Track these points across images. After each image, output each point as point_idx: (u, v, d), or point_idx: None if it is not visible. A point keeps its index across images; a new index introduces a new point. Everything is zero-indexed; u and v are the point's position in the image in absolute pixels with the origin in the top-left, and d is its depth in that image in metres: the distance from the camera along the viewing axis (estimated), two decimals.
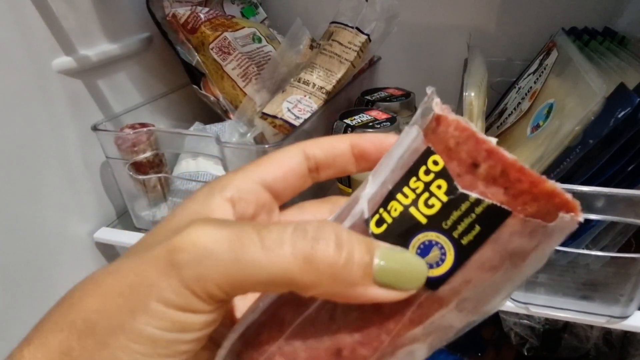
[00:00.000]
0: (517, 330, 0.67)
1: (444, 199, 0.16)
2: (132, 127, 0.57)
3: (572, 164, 0.44)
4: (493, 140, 0.16)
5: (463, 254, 0.16)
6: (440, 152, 0.16)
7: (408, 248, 0.16)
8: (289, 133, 0.58)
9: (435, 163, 0.16)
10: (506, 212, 0.15)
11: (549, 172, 0.45)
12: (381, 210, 0.17)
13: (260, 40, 0.70)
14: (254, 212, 0.20)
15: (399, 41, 0.78)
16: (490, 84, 0.76)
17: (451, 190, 0.16)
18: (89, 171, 0.61)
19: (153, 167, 0.58)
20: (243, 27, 0.69)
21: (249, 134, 0.61)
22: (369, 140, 0.21)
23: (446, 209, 0.16)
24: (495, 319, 0.73)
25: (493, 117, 0.69)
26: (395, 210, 0.17)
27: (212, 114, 0.72)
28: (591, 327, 0.64)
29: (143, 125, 0.57)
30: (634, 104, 0.40)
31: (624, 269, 0.42)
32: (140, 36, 0.68)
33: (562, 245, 0.44)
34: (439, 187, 0.16)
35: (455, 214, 0.15)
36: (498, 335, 0.75)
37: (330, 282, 0.15)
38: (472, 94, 0.49)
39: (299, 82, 0.60)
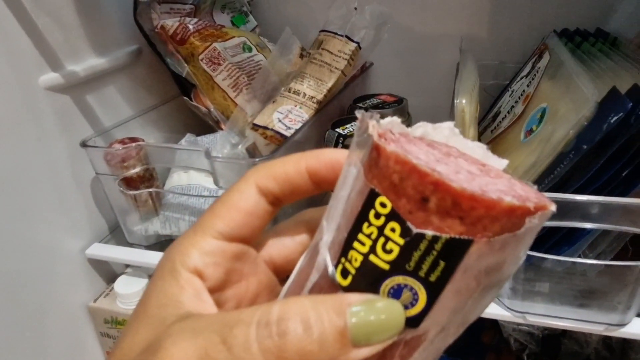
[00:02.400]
0: (516, 336, 0.66)
1: (401, 241, 0.15)
2: (122, 142, 0.56)
3: (566, 170, 0.43)
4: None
5: (434, 290, 0.15)
6: (386, 189, 0.15)
7: (379, 294, 0.16)
8: (280, 144, 0.57)
9: (383, 205, 0.15)
10: (468, 242, 0.14)
11: (543, 178, 0.45)
12: (343, 260, 0.16)
13: (250, 50, 0.70)
14: (226, 270, 0.20)
15: (391, 46, 0.77)
16: (483, 87, 0.75)
17: (405, 231, 0.15)
18: (79, 187, 0.60)
19: (144, 181, 0.58)
20: (233, 37, 0.69)
21: (240, 145, 0.61)
22: (322, 162, 0.20)
23: (405, 251, 0.15)
24: (495, 324, 0.73)
25: (487, 121, 0.69)
26: (356, 260, 0.16)
27: (204, 125, 0.72)
28: None
29: (132, 140, 0.57)
30: (626, 109, 0.39)
31: (621, 277, 0.41)
32: (128, 49, 0.67)
33: (558, 253, 0.43)
34: (393, 230, 0.15)
35: (416, 255, 0.15)
36: (498, 340, 0.75)
37: None
38: (464, 101, 0.49)
39: (289, 92, 0.60)
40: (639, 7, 0.64)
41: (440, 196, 0.14)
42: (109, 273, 0.66)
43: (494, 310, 0.47)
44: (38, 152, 0.54)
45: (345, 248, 0.16)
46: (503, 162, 0.18)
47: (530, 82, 0.60)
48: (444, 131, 0.18)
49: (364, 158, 0.16)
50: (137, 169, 0.56)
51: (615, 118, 0.40)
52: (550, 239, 0.44)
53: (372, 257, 0.16)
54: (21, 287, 0.54)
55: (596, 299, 0.44)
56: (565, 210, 0.40)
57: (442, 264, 0.15)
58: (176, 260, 0.19)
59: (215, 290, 0.19)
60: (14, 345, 0.54)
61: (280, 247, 0.22)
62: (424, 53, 0.80)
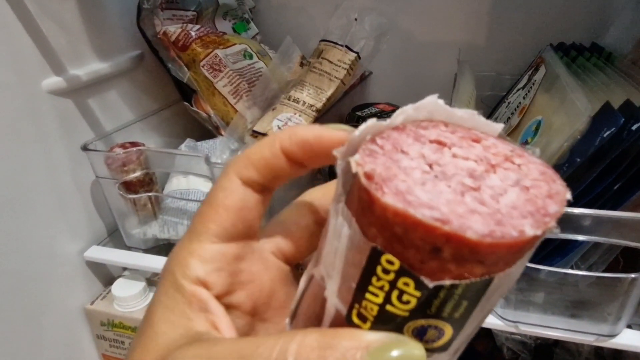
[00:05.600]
0: (509, 345, 0.67)
1: (417, 294, 0.14)
2: (123, 146, 0.57)
3: None
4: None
5: (460, 323, 0.15)
6: (389, 240, 0.14)
7: (402, 333, 0.15)
8: None
9: (390, 262, 0.14)
10: (489, 280, 0.14)
11: None
12: (357, 306, 0.15)
13: (251, 57, 0.71)
14: (230, 273, 0.19)
15: (390, 56, 0.78)
16: (480, 98, 0.76)
17: (421, 285, 0.14)
18: (79, 190, 0.60)
19: (143, 185, 0.58)
20: (234, 44, 0.69)
21: (240, 151, 0.61)
22: (294, 143, 0.18)
23: (424, 301, 0.14)
24: (489, 333, 0.73)
25: None
26: (372, 309, 0.15)
27: (204, 130, 0.72)
28: None
29: (133, 144, 0.57)
30: (618, 124, 0.40)
31: (611, 288, 0.42)
32: (131, 54, 0.68)
33: (550, 264, 0.44)
34: (406, 284, 0.14)
35: (436, 302, 0.14)
36: (492, 349, 0.75)
37: None
38: None
39: (289, 99, 0.61)
40: (633, 23, 0.66)
41: (455, 247, 0.13)
42: (106, 276, 0.67)
43: (487, 319, 0.47)
44: (39, 155, 0.55)
45: (357, 297, 0.15)
46: (498, 127, 0.17)
47: (526, 94, 0.61)
48: (428, 107, 0.17)
49: (351, 201, 0.15)
50: (137, 173, 0.56)
51: (608, 132, 0.40)
52: (543, 250, 0.44)
53: (388, 307, 0.15)
54: (19, 288, 0.54)
55: (587, 310, 0.44)
56: (558, 222, 0.41)
57: (464, 303, 0.14)
58: (177, 273, 0.18)
59: (225, 295, 0.19)
60: (10, 346, 0.54)
61: (286, 236, 0.21)
62: (422, 63, 0.81)
